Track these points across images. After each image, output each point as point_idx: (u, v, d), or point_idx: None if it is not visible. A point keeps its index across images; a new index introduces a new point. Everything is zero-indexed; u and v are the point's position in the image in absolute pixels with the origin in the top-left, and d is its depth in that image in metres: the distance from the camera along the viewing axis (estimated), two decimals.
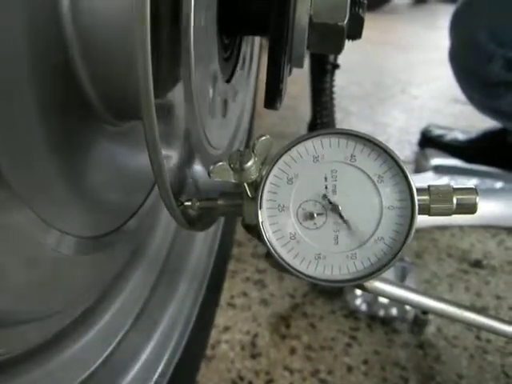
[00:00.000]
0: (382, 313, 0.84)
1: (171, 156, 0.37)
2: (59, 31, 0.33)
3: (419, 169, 1.38)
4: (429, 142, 1.49)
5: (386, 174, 0.34)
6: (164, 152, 0.33)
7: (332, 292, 0.90)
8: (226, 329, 0.83)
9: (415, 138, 1.59)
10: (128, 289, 0.59)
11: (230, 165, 0.32)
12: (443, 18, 1.74)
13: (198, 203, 0.35)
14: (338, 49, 0.41)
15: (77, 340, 0.49)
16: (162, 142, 0.32)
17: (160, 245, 0.67)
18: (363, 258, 0.35)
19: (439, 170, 1.27)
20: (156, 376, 0.58)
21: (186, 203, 0.35)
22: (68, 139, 0.37)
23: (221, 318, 0.84)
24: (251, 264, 0.99)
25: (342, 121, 1.73)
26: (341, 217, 0.34)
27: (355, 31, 0.42)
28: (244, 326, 0.83)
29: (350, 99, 2.01)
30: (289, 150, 0.33)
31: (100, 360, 0.52)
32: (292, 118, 1.71)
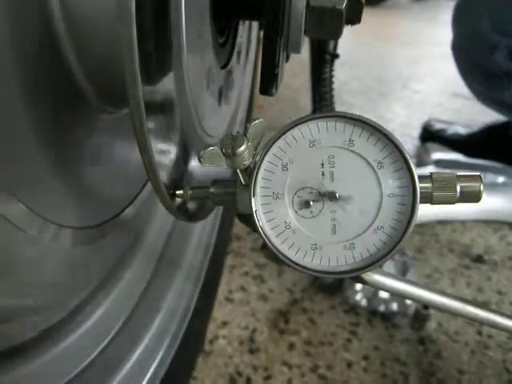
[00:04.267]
0: (382, 308, 0.83)
1: (169, 150, 0.35)
2: (45, 11, 0.32)
3: (421, 163, 1.37)
4: (430, 136, 1.47)
5: (386, 160, 0.32)
6: (161, 146, 0.32)
7: (332, 287, 0.89)
8: (224, 324, 0.82)
9: (417, 132, 1.57)
10: (124, 280, 0.58)
11: (221, 150, 0.30)
12: (445, 12, 1.72)
13: (189, 192, 0.34)
14: (337, 33, 0.40)
15: (69, 334, 0.48)
16: (158, 136, 0.31)
17: (157, 235, 0.65)
18: (362, 248, 0.33)
19: (440, 164, 1.26)
20: (151, 371, 0.57)
21: (178, 192, 0.34)
22: (58, 127, 0.36)
23: (219, 313, 0.83)
24: (250, 258, 0.98)
25: None
26: (338, 205, 0.33)
27: (354, 15, 0.40)
28: (242, 321, 0.82)
29: (352, 94, 1.99)
30: (283, 134, 0.32)
31: (94, 354, 0.51)
32: (293, 111, 1.70)
